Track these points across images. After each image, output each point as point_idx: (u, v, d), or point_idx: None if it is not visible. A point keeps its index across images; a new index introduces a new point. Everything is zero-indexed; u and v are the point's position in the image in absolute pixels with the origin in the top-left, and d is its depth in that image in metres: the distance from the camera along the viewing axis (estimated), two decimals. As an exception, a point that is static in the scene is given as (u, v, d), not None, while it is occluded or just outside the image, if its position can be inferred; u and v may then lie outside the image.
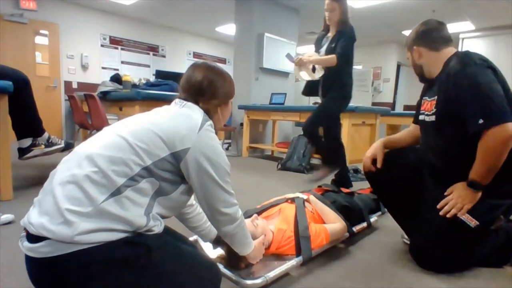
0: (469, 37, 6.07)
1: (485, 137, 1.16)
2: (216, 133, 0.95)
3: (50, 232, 0.70)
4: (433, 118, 1.35)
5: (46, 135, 2.34)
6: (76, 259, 0.71)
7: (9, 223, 1.67)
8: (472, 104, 1.17)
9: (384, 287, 1.22)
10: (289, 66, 5.41)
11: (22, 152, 2.25)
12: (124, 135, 0.83)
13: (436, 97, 1.34)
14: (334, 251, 1.49)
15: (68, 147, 2.49)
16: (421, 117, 1.46)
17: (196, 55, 7.75)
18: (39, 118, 2.29)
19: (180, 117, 0.90)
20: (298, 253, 1.29)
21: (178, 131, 0.85)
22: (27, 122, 2.23)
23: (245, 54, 4.99)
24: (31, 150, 2.26)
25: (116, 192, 0.76)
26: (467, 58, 1.25)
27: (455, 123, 1.24)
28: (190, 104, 0.96)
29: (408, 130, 1.60)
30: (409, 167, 1.46)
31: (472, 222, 1.23)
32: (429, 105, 1.39)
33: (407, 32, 6.50)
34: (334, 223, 1.49)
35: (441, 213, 1.27)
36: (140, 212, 0.79)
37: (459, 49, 6.57)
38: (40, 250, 0.72)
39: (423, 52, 1.40)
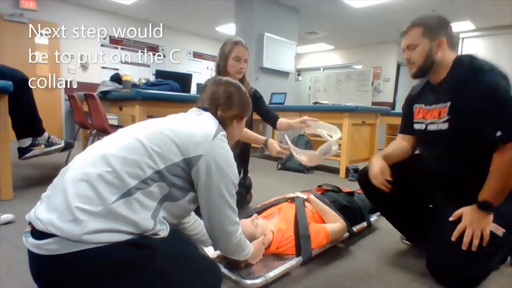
0: (469, 37, 6.07)
1: (502, 152, 1.08)
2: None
3: (58, 229, 0.70)
4: (445, 126, 1.24)
5: (46, 134, 2.34)
6: (81, 258, 0.71)
7: (9, 222, 1.67)
8: (490, 114, 1.10)
9: (383, 287, 1.22)
10: (289, 66, 5.42)
11: (22, 151, 2.25)
12: (139, 137, 0.83)
13: (449, 103, 1.22)
14: (334, 250, 1.49)
15: (68, 147, 2.49)
16: (418, 126, 1.37)
17: (196, 55, 7.75)
18: (39, 117, 2.29)
19: (196, 125, 0.92)
20: (298, 253, 1.28)
21: (192, 138, 0.87)
22: (27, 121, 2.23)
23: (245, 54, 4.99)
24: (31, 149, 2.26)
25: (127, 194, 0.76)
26: (482, 65, 1.17)
27: (472, 132, 1.15)
28: (206, 113, 0.99)
29: (397, 144, 1.48)
30: (410, 180, 1.37)
31: (499, 231, 1.13)
32: (437, 112, 1.27)
33: (407, 32, 6.50)
34: (334, 223, 1.49)
35: (463, 247, 1.13)
36: (147, 215, 0.80)
37: (459, 50, 6.52)
38: (46, 247, 0.71)
39: (445, 48, 1.23)
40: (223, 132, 0.95)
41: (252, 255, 1.12)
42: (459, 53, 1.30)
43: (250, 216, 1.35)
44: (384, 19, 5.85)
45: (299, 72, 8.97)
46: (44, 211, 0.75)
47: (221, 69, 1.86)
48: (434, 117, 1.28)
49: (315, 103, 4.29)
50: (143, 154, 0.81)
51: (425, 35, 1.24)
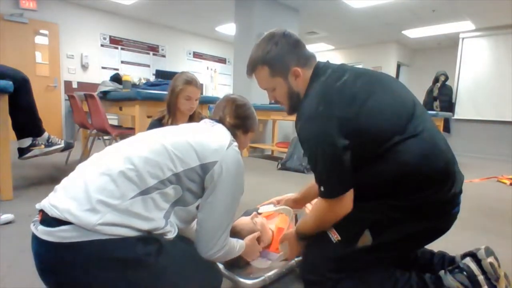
0: (469, 37, 6.07)
1: (322, 204, 1.04)
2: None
3: (75, 217, 0.72)
4: None
5: (46, 135, 2.34)
6: (91, 248, 0.73)
7: (9, 223, 1.67)
8: (314, 166, 1.01)
9: (384, 287, 1.22)
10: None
11: (22, 152, 2.25)
12: (165, 143, 0.88)
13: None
14: (334, 251, 1.48)
15: (68, 147, 2.49)
16: None
17: (196, 55, 7.75)
18: (39, 118, 2.29)
19: (212, 134, 0.98)
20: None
21: (209, 145, 0.92)
22: (27, 122, 2.23)
23: (245, 54, 4.96)
24: (31, 150, 2.26)
25: (145, 192, 0.80)
26: (304, 109, 1.05)
27: None
28: (219, 124, 1.06)
29: None
30: None
31: (335, 236, 1.05)
32: None
33: (407, 32, 6.50)
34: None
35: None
36: (160, 215, 0.83)
37: (459, 49, 6.46)
38: (58, 234, 0.72)
39: (302, 73, 1.06)
40: (236, 143, 1.00)
41: (244, 252, 1.11)
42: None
43: (250, 215, 1.35)
44: (384, 19, 5.85)
45: (299, 72, 8.96)
46: (61, 199, 0.76)
47: (172, 106, 1.89)
48: None
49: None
50: (165, 157, 0.85)
51: (275, 73, 1.06)
